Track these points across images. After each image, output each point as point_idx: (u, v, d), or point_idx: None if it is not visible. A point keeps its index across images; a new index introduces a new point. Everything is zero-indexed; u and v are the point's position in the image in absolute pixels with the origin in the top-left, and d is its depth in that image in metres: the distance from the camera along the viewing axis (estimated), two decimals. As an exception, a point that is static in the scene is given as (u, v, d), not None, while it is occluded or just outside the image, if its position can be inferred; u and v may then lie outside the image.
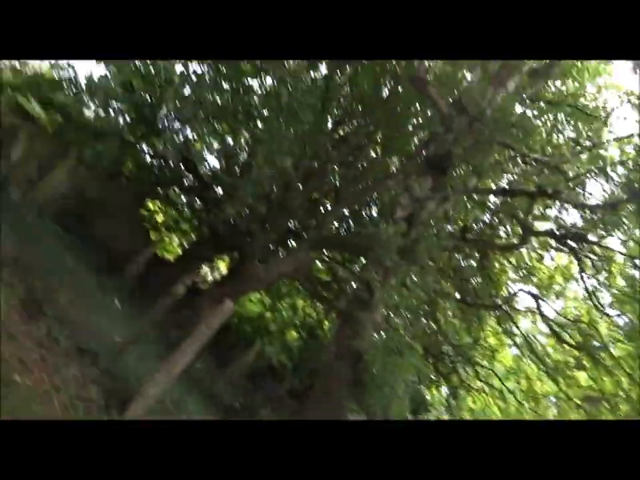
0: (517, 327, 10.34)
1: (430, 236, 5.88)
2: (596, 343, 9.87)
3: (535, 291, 10.15)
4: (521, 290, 10.12)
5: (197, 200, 11.83)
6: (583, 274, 9.71)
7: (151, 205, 13.01)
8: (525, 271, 10.86)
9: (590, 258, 9.80)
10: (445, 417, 14.49)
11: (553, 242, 10.08)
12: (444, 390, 14.41)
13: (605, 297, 10.33)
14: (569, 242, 9.62)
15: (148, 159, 11.39)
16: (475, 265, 10.86)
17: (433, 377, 13.84)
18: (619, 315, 10.25)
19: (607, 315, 10.18)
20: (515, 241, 9.70)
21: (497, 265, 10.93)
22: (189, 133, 10.46)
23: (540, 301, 10.02)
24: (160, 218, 13.14)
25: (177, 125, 10.15)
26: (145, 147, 11.03)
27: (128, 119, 10.04)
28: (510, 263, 11.00)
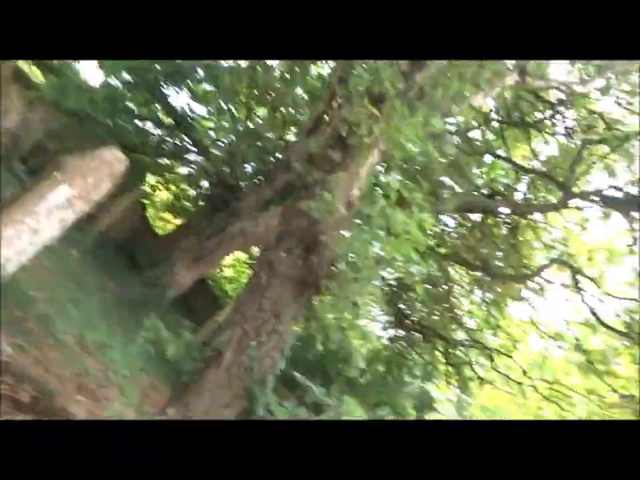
0: (546, 299, 9.76)
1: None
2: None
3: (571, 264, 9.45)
4: (555, 260, 9.45)
5: (196, 170, 11.83)
6: (634, 244, 9.07)
7: (151, 180, 13.07)
8: (560, 242, 10.20)
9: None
10: (455, 415, 14.05)
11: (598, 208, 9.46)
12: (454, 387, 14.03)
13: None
14: (620, 207, 9.01)
15: (150, 128, 11.81)
16: (504, 232, 10.22)
17: (441, 369, 13.44)
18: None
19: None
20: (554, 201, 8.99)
21: (529, 233, 10.25)
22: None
23: (577, 276, 9.39)
24: (161, 194, 13.30)
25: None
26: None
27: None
28: (545, 228, 10.31)
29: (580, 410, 10.64)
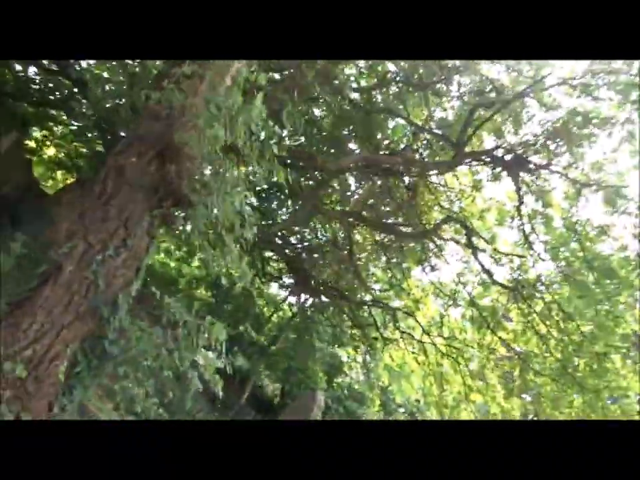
0: (443, 256, 10.10)
1: None
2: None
3: (464, 223, 9.80)
4: (450, 218, 9.76)
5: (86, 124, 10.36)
6: (521, 205, 9.59)
7: (37, 135, 11.42)
8: (455, 201, 10.57)
9: (529, 188, 9.74)
10: (362, 377, 14.36)
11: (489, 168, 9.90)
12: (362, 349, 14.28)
13: (541, 238, 10.48)
14: (509, 169, 9.46)
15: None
16: (404, 192, 10.40)
17: (349, 332, 13.61)
18: (552, 260, 10.42)
19: (541, 258, 10.33)
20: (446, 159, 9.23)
21: (426, 195, 10.52)
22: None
23: (471, 236, 9.77)
24: (49, 150, 11.77)
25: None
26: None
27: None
28: (444, 192, 10.63)
29: (473, 363, 11.21)
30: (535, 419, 11.44)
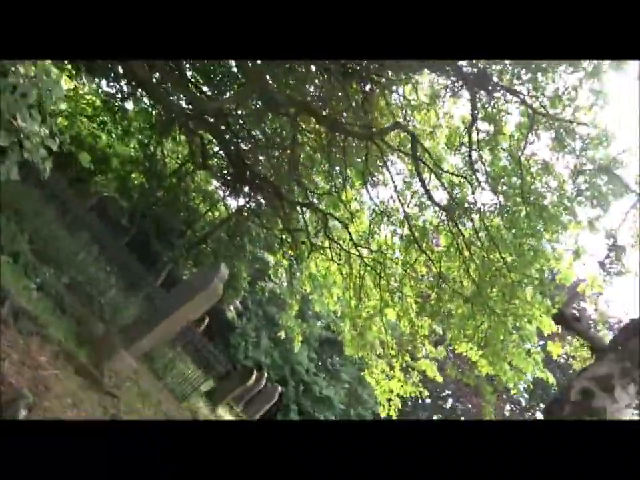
0: (387, 168, 9.59)
1: None
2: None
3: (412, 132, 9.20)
4: (398, 124, 9.15)
5: None
6: (473, 125, 9.09)
7: None
8: (409, 114, 9.93)
9: (485, 110, 9.22)
10: (285, 283, 14.07)
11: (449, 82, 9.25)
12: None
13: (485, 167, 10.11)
14: (469, 82, 8.85)
15: None
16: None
17: (279, 236, 13.12)
18: (491, 190, 10.13)
19: (482, 187, 10.03)
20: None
21: (381, 100, 9.80)
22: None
23: (417, 147, 9.22)
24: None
25: None
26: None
27: None
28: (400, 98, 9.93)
29: (394, 279, 11.05)
30: (449, 347, 11.56)
